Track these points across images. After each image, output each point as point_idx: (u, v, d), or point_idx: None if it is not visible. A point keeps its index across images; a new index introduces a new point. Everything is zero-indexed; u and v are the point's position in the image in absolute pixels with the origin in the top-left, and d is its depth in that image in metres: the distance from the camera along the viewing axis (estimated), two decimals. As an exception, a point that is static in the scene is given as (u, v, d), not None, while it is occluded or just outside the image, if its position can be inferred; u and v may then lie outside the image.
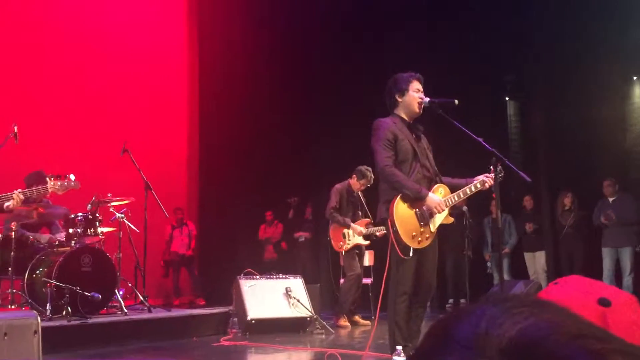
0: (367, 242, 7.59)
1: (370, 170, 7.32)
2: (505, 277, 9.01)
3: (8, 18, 9.39)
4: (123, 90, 10.52)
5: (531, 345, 0.53)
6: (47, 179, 4.41)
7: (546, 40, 9.59)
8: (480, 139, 4.12)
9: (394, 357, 3.70)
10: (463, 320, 0.58)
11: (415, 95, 4.26)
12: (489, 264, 10.12)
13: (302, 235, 10.60)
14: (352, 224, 7.45)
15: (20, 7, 9.59)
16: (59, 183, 4.35)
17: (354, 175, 7.58)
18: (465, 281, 8.48)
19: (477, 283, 8.96)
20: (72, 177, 4.42)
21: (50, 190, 4.38)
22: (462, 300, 9.45)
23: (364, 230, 7.47)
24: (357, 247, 7.56)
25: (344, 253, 7.49)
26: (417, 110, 4.25)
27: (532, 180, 4.40)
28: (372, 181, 7.36)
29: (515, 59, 10.16)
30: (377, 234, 7.30)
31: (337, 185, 7.66)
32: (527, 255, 9.70)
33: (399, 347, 3.76)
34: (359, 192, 7.68)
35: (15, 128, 5.67)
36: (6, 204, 4.13)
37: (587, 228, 9.08)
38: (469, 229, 8.52)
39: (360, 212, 7.67)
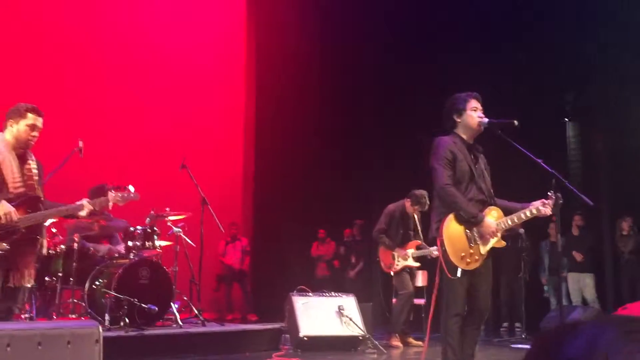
0: (417, 264, 7.51)
1: (426, 196, 7.28)
2: (564, 301, 8.79)
3: (74, 36, 9.74)
4: (182, 107, 10.76)
5: None
6: (109, 191, 4.57)
7: (608, 61, 9.40)
8: (540, 161, 4.06)
9: (448, 380, 3.65)
10: (574, 338, 0.58)
11: (473, 114, 4.23)
12: (546, 287, 9.88)
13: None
14: (397, 249, 7.38)
15: (85, 25, 9.94)
16: (120, 195, 4.56)
17: (409, 199, 7.53)
18: (520, 304, 8.32)
19: (533, 307, 8.77)
20: (131, 188, 4.62)
21: (111, 202, 4.51)
22: (517, 324, 9.25)
23: (409, 254, 7.39)
24: (408, 267, 7.48)
25: (392, 274, 7.44)
26: (477, 128, 4.22)
27: (593, 204, 4.30)
28: (426, 208, 7.30)
29: (576, 79, 9.99)
30: (433, 254, 7.17)
31: (390, 206, 7.61)
32: (571, 277, 9.34)
33: (454, 370, 3.71)
34: (414, 215, 7.61)
35: (81, 143, 5.86)
36: (80, 212, 4.33)
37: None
38: (525, 252, 8.37)
39: (412, 233, 7.59)
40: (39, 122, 4.29)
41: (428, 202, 7.22)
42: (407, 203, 7.53)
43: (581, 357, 0.56)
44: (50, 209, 4.31)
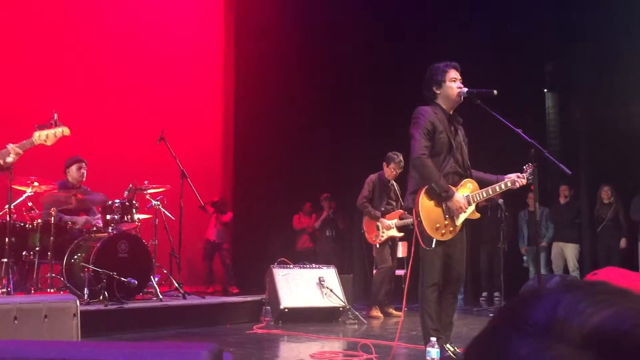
0: (401, 234, 7.51)
1: (399, 154, 7.28)
2: (542, 271, 8.90)
3: (52, 11, 9.53)
4: (160, 79, 10.62)
5: (617, 335, 0.52)
6: (35, 129, 4.16)
7: (587, 32, 9.42)
8: (519, 130, 4.06)
9: (427, 349, 3.68)
10: (535, 305, 0.57)
11: (452, 85, 4.22)
12: (525, 257, 9.99)
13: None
14: (381, 219, 7.38)
15: (66, 4, 9.74)
16: (44, 132, 4.12)
17: (384, 163, 7.51)
18: (499, 274, 8.41)
19: (512, 276, 8.87)
20: (55, 116, 4.14)
21: (37, 142, 4.08)
22: (496, 294, 9.37)
23: (392, 224, 7.39)
24: (391, 239, 7.50)
25: (377, 245, 7.44)
26: (456, 99, 4.21)
27: (571, 172, 4.32)
28: (402, 165, 7.27)
29: (556, 50, 10.00)
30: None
31: (371, 176, 7.60)
32: (557, 246, 9.46)
33: (433, 339, 3.74)
34: (394, 182, 7.59)
35: (56, 115, 5.75)
36: (7, 159, 3.99)
37: (626, 222, 8.92)
38: (504, 222, 8.43)
39: (395, 203, 7.58)
40: None
41: (402, 160, 7.19)
42: (385, 167, 7.49)
43: (543, 321, 0.56)
44: None
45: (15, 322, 3.25)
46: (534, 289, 0.61)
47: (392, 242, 7.53)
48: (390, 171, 7.45)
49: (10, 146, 3.97)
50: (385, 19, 10.63)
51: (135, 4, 10.63)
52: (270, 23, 11.45)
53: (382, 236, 7.37)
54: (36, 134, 4.11)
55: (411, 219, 7.20)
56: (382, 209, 7.45)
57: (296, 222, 11.49)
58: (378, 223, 7.39)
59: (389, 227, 7.36)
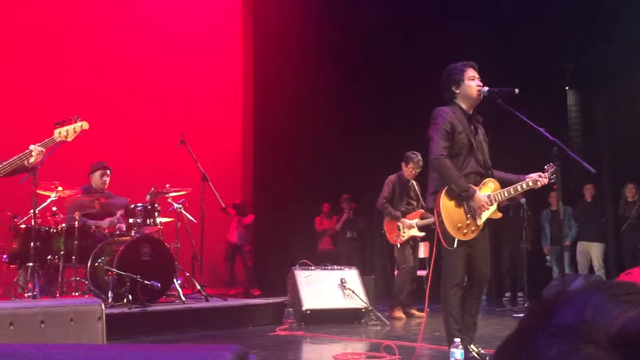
0: (422, 234, 7.47)
1: (417, 154, 7.29)
2: (566, 270, 8.82)
3: (73, 15, 9.64)
4: (180, 84, 10.70)
5: None
6: (54, 128, 4.15)
7: (608, 29, 9.31)
8: (541, 129, 4.03)
9: (451, 350, 3.66)
10: (564, 305, 0.57)
11: (471, 84, 4.20)
12: (548, 257, 9.90)
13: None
14: (402, 218, 7.36)
15: (87, 6, 9.85)
16: (64, 129, 4.16)
17: (403, 162, 7.51)
18: (522, 274, 8.34)
19: (535, 276, 8.80)
20: (77, 117, 4.18)
21: (58, 139, 4.13)
22: (520, 294, 9.30)
23: (414, 224, 7.38)
24: (412, 239, 7.47)
25: (398, 246, 7.42)
26: (476, 97, 4.18)
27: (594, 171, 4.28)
28: (420, 164, 7.28)
29: (577, 47, 9.89)
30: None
31: (390, 176, 7.59)
32: (581, 245, 9.36)
33: (457, 340, 3.72)
34: (414, 182, 7.58)
35: (78, 120, 5.81)
36: (30, 160, 3.99)
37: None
38: (526, 221, 8.37)
39: (415, 203, 7.56)
40: None
41: (421, 159, 7.21)
42: (404, 167, 7.49)
43: (571, 323, 0.56)
44: None
45: (42, 325, 3.29)
46: (562, 290, 0.61)
47: (413, 242, 7.50)
48: (409, 171, 7.45)
49: (32, 147, 3.99)
50: (403, 17, 10.59)
51: (155, 9, 10.72)
52: (289, 24, 11.47)
53: (403, 236, 7.34)
54: (56, 131, 4.15)
55: (432, 219, 7.21)
56: (403, 209, 7.43)
57: (318, 224, 11.51)
58: (399, 223, 7.37)
59: (410, 226, 7.34)
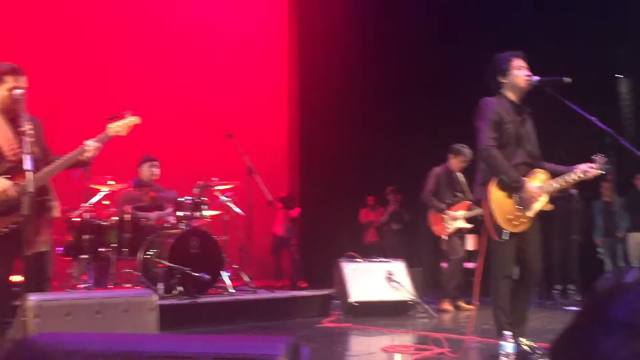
0: (469, 225, 7.40)
1: (466, 146, 7.24)
2: (621, 263, 8.61)
3: (126, 13, 9.83)
4: (227, 77, 10.82)
5: None
6: (107, 124, 4.20)
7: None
8: (594, 119, 3.94)
9: (501, 343, 3.62)
10: (618, 300, 0.56)
11: (519, 73, 4.14)
12: (600, 249, 9.68)
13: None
14: (447, 211, 7.30)
15: (137, 4, 10.03)
16: (119, 124, 4.20)
17: (450, 155, 7.45)
18: (573, 267, 8.19)
19: (587, 269, 8.61)
20: (129, 113, 4.24)
21: (111, 134, 4.18)
22: (571, 287, 9.12)
23: (459, 216, 7.31)
24: (459, 230, 7.40)
25: (446, 238, 7.35)
26: (524, 87, 4.12)
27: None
28: (469, 157, 7.23)
29: (628, 33, 9.62)
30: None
31: (435, 169, 7.53)
32: (635, 237, 9.08)
33: (507, 333, 3.68)
34: (459, 173, 7.51)
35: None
36: (86, 155, 4.05)
37: None
38: (578, 213, 8.20)
39: (462, 194, 7.49)
40: (22, 81, 3.99)
41: (469, 151, 7.17)
42: (451, 159, 7.44)
43: (626, 316, 0.55)
44: (52, 163, 4.04)
45: (98, 315, 3.39)
46: (615, 284, 0.60)
47: (460, 233, 7.43)
48: (457, 163, 7.40)
49: (88, 142, 4.08)
50: (449, 8, 10.48)
51: (203, 7, 10.84)
52: (334, 17, 11.47)
53: (449, 228, 7.29)
54: (110, 126, 4.22)
55: (479, 210, 7.14)
56: (448, 200, 7.37)
57: (363, 216, 11.52)
58: (444, 215, 7.32)
59: (455, 218, 7.29)
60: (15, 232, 3.84)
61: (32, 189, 3.72)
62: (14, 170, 3.87)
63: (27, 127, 3.91)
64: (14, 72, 3.97)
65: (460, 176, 7.50)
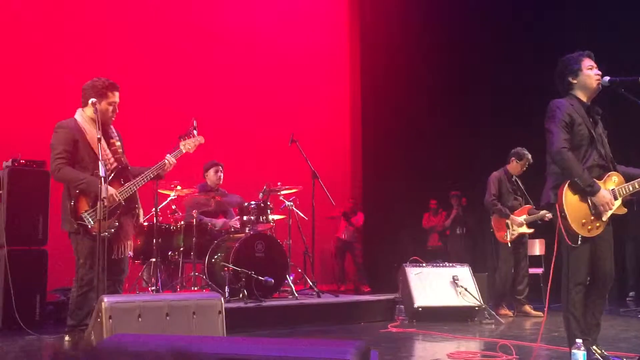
0: (531, 230, 7.29)
1: (527, 151, 7.30)
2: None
3: (186, 15, 10.06)
4: (291, 84, 10.93)
5: None
6: (180, 140, 4.81)
7: None
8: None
9: (573, 351, 3.52)
10: None
11: (590, 73, 4.02)
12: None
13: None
14: (512, 216, 7.19)
15: (199, 10, 10.25)
16: (190, 142, 4.78)
17: (512, 159, 7.37)
18: (648, 273, 7.88)
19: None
20: (195, 132, 4.85)
21: (184, 150, 4.74)
22: (645, 294, 8.80)
23: (524, 220, 7.20)
24: (521, 235, 7.29)
25: (509, 244, 7.24)
26: (596, 87, 4.00)
27: None
28: (530, 161, 7.26)
29: None
30: (545, 218, 7.00)
31: (495, 173, 7.43)
32: None
33: (579, 341, 3.57)
34: (517, 178, 7.43)
35: (195, 122, 6.07)
36: (165, 169, 4.61)
37: None
38: (652, 217, 7.90)
39: (521, 199, 7.40)
40: (117, 97, 4.49)
41: (530, 155, 7.25)
42: (513, 163, 7.36)
43: None
44: (138, 175, 4.54)
45: (167, 318, 3.47)
46: None
47: (523, 238, 7.33)
48: (519, 167, 7.36)
49: (168, 157, 4.62)
50: (512, 6, 10.32)
51: (265, 11, 11.00)
52: (396, 20, 11.42)
53: (513, 234, 7.19)
54: (182, 144, 4.75)
55: (540, 214, 7.03)
56: (510, 204, 7.28)
57: (425, 220, 11.43)
58: (508, 221, 7.21)
59: (520, 224, 7.18)
60: (113, 235, 4.37)
61: (105, 195, 4.10)
62: (111, 179, 4.36)
63: (116, 139, 4.51)
64: (114, 87, 4.47)
65: (518, 180, 7.42)
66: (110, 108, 4.44)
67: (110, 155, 4.44)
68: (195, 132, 4.85)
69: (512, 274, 7.28)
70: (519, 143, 7.42)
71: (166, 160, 4.56)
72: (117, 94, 4.48)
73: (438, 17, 11.27)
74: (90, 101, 4.39)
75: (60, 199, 4.47)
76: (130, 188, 4.45)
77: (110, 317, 3.29)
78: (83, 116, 4.46)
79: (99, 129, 4.21)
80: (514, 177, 7.43)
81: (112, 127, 4.57)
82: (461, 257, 9.83)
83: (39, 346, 4.86)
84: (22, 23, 8.34)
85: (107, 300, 3.34)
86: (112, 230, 4.36)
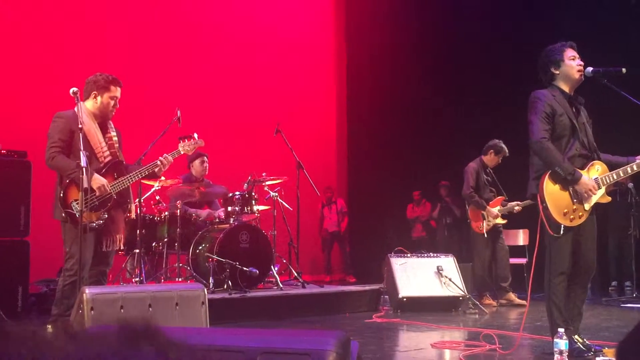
0: (504, 221, 7.39)
1: (503, 142, 7.40)
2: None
3: (172, 7, 9.98)
4: (275, 75, 10.88)
5: None
6: (179, 141, 4.84)
7: None
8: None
9: (555, 340, 3.54)
10: None
11: (572, 63, 4.02)
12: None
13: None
14: (488, 208, 7.26)
15: (181, 5, 10.17)
16: (188, 143, 4.81)
17: (490, 151, 7.43)
18: (631, 262, 7.96)
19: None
20: (195, 135, 4.88)
21: (182, 151, 4.78)
22: (627, 283, 8.88)
23: (498, 212, 7.28)
24: (496, 225, 7.38)
25: (485, 235, 7.30)
26: (578, 78, 4.01)
27: None
28: (507, 154, 7.38)
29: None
30: (515, 210, 7.14)
31: (471, 164, 7.48)
32: None
33: (561, 330, 3.59)
34: (490, 170, 7.49)
35: (179, 112, 6.04)
36: (158, 169, 4.59)
37: None
38: (634, 207, 7.98)
39: (495, 190, 7.48)
40: (119, 92, 4.53)
41: (506, 148, 7.36)
42: (488, 156, 7.43)
43: None
44: (132, 171, 4.56)
45: (150, 309, 3.45)
46: None
47: (495, 229, 7.43)
48: (496, 160, 7.46)
49: (165, 157, 4.61)
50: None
51: (250, 6, 10.93)
52: (381, 11, 11.40)
53: (489, 225, 7.27)
54: (181, 145, 4.79)
55: (513, 205, 7.11)
56: (486, 196, 7.35)
57: (410, 211, 11.45)
58: (483, 212, 7.27)
59: (496, 215, 7.26)
60: (101, 227, 4.37)
61: (87, 186, 4.15)
62: (104, 172, 4.39)
63: (113, 134, 4.53)
64: (117, 83, 4.51)
65: (491, 172, 7.50)
66: (112, 102, 4.47)
67: (105, 149, 4.46)
68: (196, 135, 4.90)
69: (489, 263, 7.35)
70: (496, 134, 7.53)
71: (159, 162, 4.57)
72: (119, 89, 4.52)
73: (425, 4, 11.25)
74: (91, 94, 4.44)
75: (44, 191, 4.48)
76: (123, 182, 4.46)
77: (92, 309, 3.27)
78: (83, 108, 4.44)
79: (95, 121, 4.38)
80: (488, 168, 7.50)
81: (111, 122, 4.58)
82: (448, 247, 9.87)
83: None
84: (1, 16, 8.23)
85: (88, 291, 3.32)
86: (101, 222, 4.35)
